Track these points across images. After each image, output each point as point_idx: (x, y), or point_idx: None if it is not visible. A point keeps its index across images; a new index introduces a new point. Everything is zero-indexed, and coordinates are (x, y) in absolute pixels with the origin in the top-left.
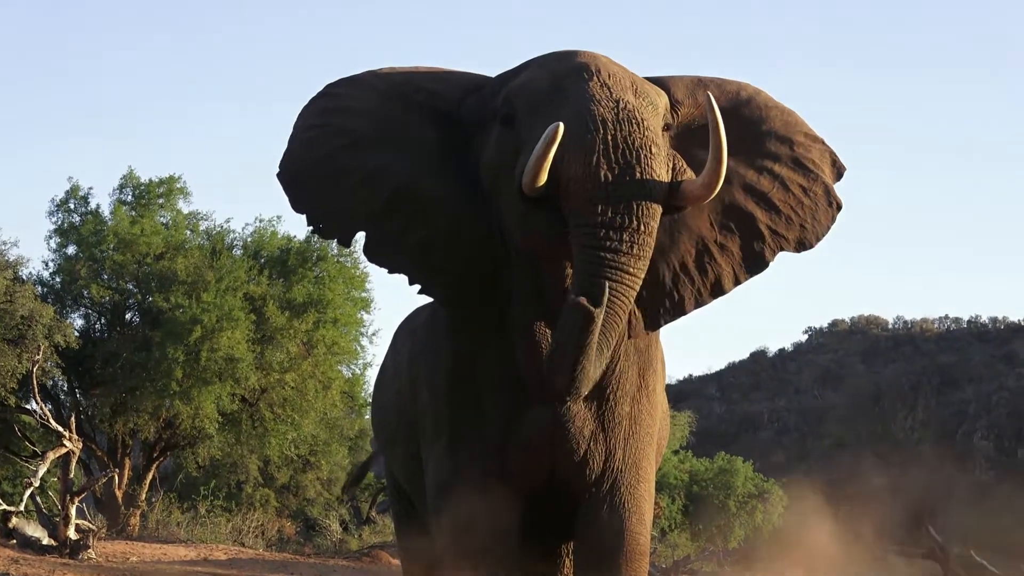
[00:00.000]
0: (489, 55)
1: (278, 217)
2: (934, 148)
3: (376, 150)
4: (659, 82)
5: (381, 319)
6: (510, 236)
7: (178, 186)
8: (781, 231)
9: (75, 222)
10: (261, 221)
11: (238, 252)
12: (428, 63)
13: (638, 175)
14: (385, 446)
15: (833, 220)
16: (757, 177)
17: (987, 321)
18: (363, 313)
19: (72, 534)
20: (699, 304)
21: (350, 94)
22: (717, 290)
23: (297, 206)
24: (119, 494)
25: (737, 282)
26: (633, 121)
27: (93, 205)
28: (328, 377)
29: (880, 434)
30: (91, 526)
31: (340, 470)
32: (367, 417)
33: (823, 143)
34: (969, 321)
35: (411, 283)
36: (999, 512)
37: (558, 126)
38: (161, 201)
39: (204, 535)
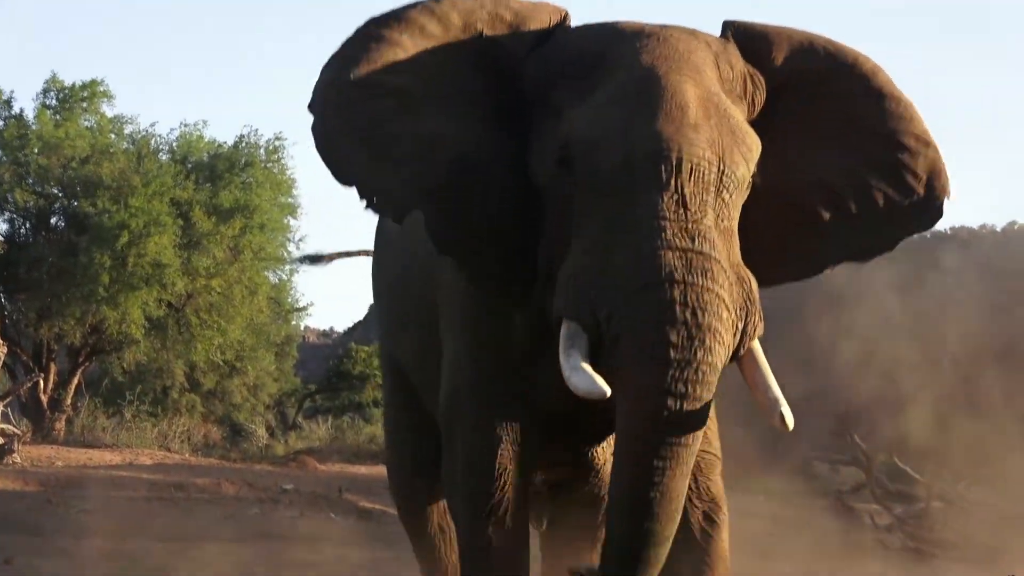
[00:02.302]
0: None
1: (204, 122)
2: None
3: (429, 112)
4: (758, 38)
5: (308, 225)
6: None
7: (101, 89)
8: (852, 245)
9: None
10: (187, 126)
11: (164, 157)
12: None
13: (699, 387)
14: (389, 326)
15: (910, 234)
16: (843, 184)
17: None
18: (290, 219)
19: None
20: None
21: (396, 40)
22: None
23: (344, 179)
24: (44, 399)
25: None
26: (705, 302)
27: (16, 109)
28: (255, 283)
29: (802, 341)
30: (16, 431)
31: (266, 376)
32: (294, 323)
33: (935, 149)
34: None
35: (460, 268)
36: (923, 420)
37: (605, 392)
38: (85, 105)
39: (130, 440)
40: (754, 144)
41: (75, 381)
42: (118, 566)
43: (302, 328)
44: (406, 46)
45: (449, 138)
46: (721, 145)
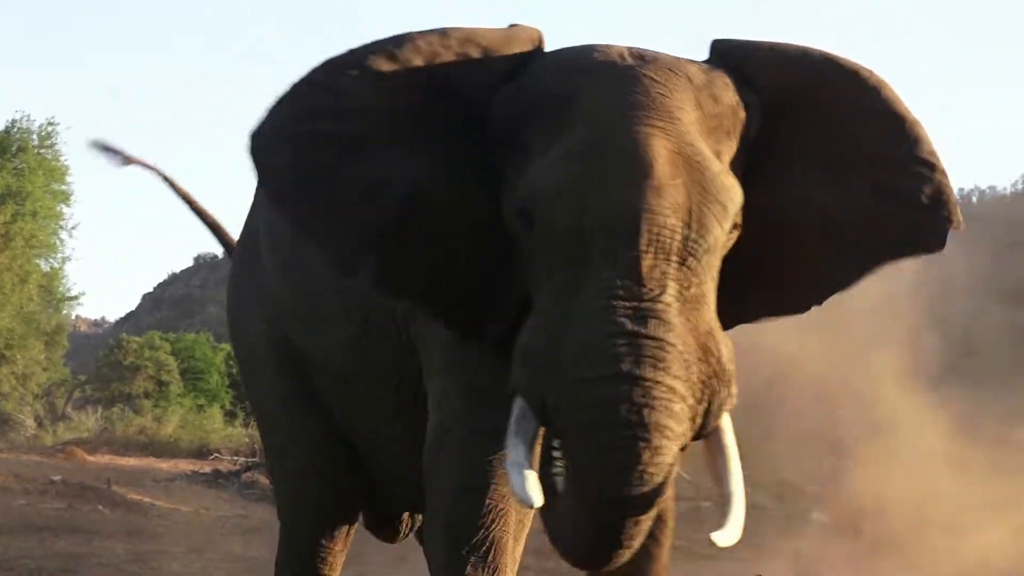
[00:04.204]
0: None
1: None
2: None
3: (379, 158)
4: (748, 57)
5: (81, 212)
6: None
7: None
8: (850, 270)
9: None
10: None
11: None
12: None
13: (645, 489)
14: (300, 319)
15: (912, 256)
16: (844, 209)
17: None
18: (63, 206)
19: None
20: None
21: (348, 88)
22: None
23: (300, 227)
24: None
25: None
26: (654, 398)
27: None
28: (25, 271)
29: None
30: None
31: (36, 365)
32: (65, 312)
33: (942, 172)
34: None
35: (418, 308)
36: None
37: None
38: None
39: None
40: (730, 200)
41: None
42: None
43: (73, 317)
44: (360, 93)
45: (397, 179)
46: (689, 208)
